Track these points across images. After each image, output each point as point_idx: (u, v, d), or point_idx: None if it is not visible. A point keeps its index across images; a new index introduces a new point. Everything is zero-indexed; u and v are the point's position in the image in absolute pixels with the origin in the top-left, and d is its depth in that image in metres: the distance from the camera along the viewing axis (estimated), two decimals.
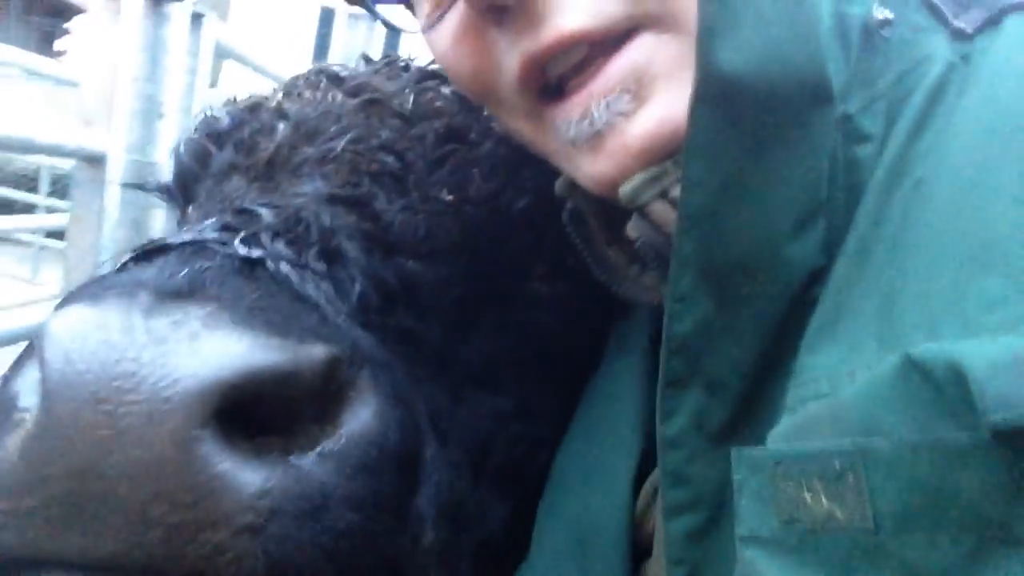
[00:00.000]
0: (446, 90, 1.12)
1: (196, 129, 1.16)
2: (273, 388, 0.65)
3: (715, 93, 0.72)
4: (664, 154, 0.82)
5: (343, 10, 3.75)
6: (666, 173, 0.82)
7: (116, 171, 1.61)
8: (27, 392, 0.66)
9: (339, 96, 1.10)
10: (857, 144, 0.77)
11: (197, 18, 2.02)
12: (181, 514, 0.62)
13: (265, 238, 0.81)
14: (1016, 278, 0.61)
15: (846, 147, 0.77)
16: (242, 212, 0.88)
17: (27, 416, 0.64)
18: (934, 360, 0.58)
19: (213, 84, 2.42)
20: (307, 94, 1.13)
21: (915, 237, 0.69)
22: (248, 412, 0.65)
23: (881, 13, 0.80)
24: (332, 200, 0.93)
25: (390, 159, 1.01)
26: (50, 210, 9.18)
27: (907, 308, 0.66)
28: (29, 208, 9.98)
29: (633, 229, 0.87)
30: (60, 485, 0.62)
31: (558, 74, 0.85)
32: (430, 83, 1.13)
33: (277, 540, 0.64)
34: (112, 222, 1.62)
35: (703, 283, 0.76)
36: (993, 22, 0.81)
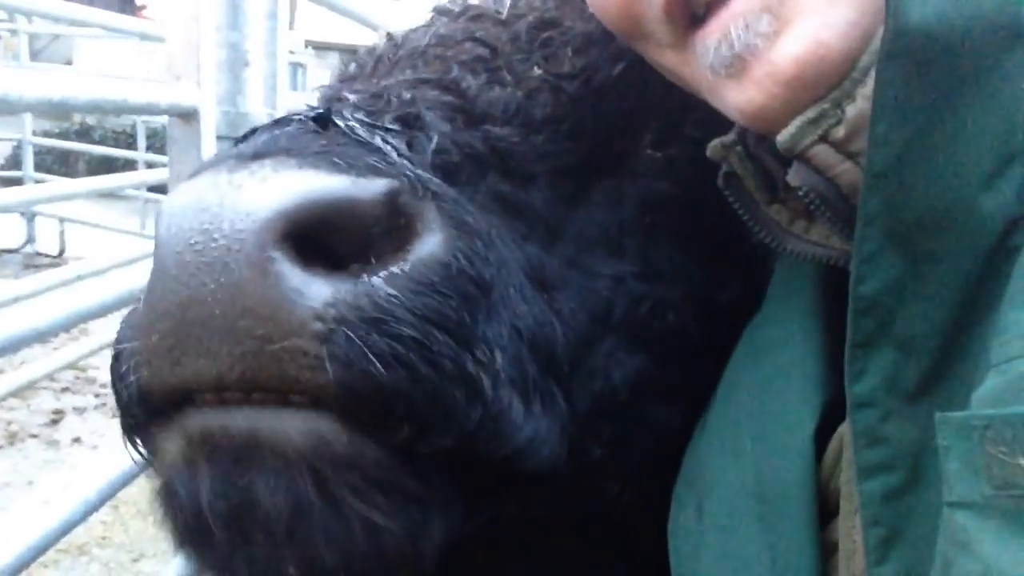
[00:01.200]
0: None
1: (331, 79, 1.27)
2: (338, 214, 0.73)
3: (905, 47, 0.70)
4: (815, 84, 0.80)
5: None
6: (825, 115, 0.80)
7: (209, 124, 1.60)
8: None
9: (445, 18, 1.17)
10: None
11: None
12: (263, 326, 0.71)
13: (346, 111, 0.89)
14: None
15: None
16: (332, 99, 0.99)
17: None
18: None
19: (291, 27, 2.38)
20: (420, 24, 1.20)
21: None
22: (320, 238, 0.73)
23: None
24: (416, 83, 1.00)
25: (480, 48, 1.07)
26: (149, 165, 9.46)
27: None
28: (130, 164, 10.30)
29: (795, 177, 0.85)
30: (171, 319, 0.73)
31: (704, 2, 0.85)
32: None
33: (347, 344, 0.71)
34: None
35: (891, 242, 0.74)
36: None
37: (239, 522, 0.73)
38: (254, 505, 0.72)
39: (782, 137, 0.82)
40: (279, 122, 0.87)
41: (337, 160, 0.76)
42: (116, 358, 0.82)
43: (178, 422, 0.76)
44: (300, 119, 0.85)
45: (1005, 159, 0.71)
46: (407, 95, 0.96)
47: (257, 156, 0.77)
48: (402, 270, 0.75)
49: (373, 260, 0.75)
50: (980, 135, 0.71)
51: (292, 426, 0.73)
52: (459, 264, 0.78)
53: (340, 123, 0.85)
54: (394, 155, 0.84)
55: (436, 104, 0.96)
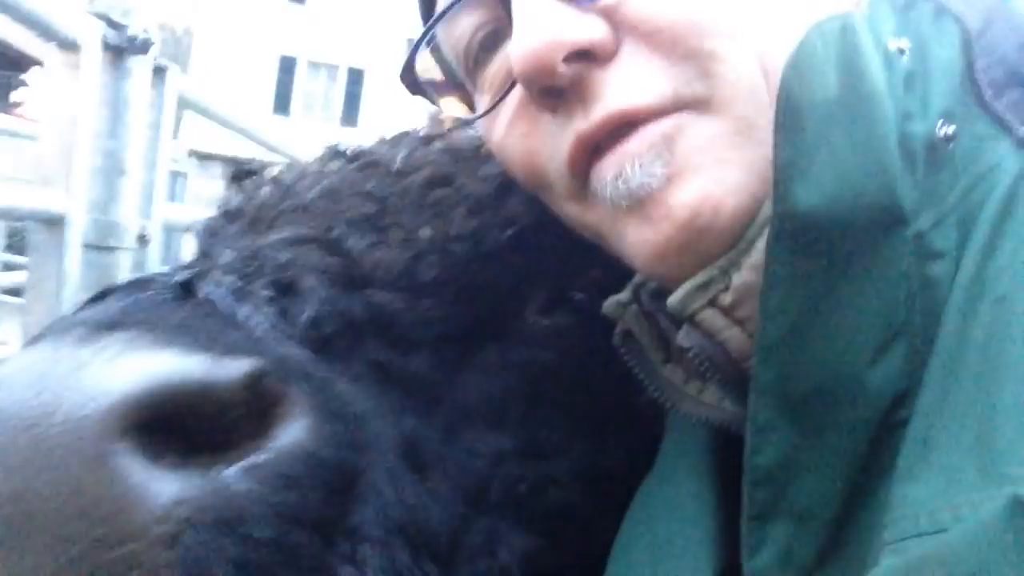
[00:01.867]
0: (439, 146, 1.14)
1: (230, 186, 1.22)
2: (192, 401, 0.67)
3: (791, 230, 0.73)
4: (709, 234, 0.82)
5: (304, 59, 3.74)
6: (714, 280, 0.82)
7: (76, 232, 1.53)
8: None
9: (336, 163, 1.14)
10: (931, 261, 0.76)
11: (159, 71, 1.96)
12: (100, 527, 0.63)
13: (215, 273, 0.84)
14: None
15: (920, 266, 0.76)
16: (202, 257, 0.93)
17: None
18: None
19: (174, 136, 2.36)
20: (309, 166, 1.16)
21: (1005, 357, 0.68)
22: (172, 428, 0.66)
23: (945, 129, 0.79)
24: (296, 242, 0.96)
25: (367, 205, 1.03)
26: (7, 266, 8.95)
27: (1006, 434, 0.63)
28: None
29: (685, 339, 0.86)
30: None
31: (599, 141, 0.87)
32: (427, 144, 1.16)
33: (193, 550, 0.64)
34: (73, 284, 1.54)
35: (784, 413, 0.75)
36: None
37: None
38: None
39: (672, 300, 0.84)
40: (139, 284, 0.81)
41: (196, 337, 0.71)
42: None
43: None
44: (162, 284, 0.80)
45: (889, 336, 0.74)
46: (284, 257, 0.91)
47: (109, 327, 0.71)
48: (262, 461, 0.69)
49: (230, 449, 0.69)
50: (865, 312, 0.73)
51: None
52: (325, 453, 0.73)
53: (205, 291, 0.80)
54: (260, 330, 0.79)
55: (315, 267, 0.92)
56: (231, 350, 0.71)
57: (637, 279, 0.97)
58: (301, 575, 0.70)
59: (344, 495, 0.75)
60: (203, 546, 0.64)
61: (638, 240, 0.86)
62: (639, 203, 0.84)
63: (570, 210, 0.95)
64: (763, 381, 0.74)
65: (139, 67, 1.80)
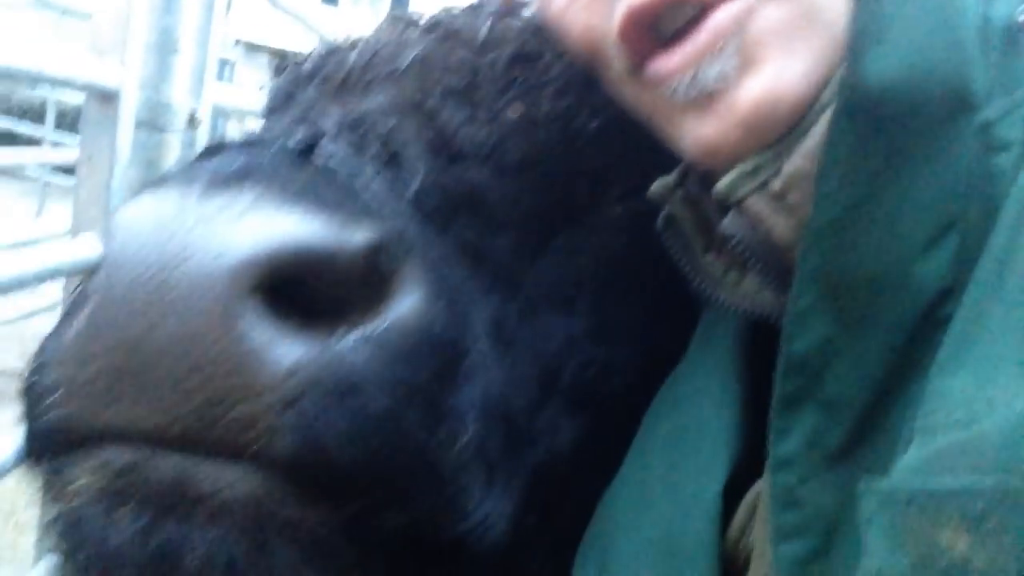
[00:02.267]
0: (520, 20, 1.11)
1: (278, 76, 1.19)
2: (316, 267, 0.67)
3: (859, 105, 0.71)
4: (768, 128, 0.80)
5: None
6: (763, 166, 0.81)
7: (129, 108, 1.51)
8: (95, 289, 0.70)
9: (414, 32, 1.10)
10: (996, 153, 0.73)
11: None
12: (217, 384, 0.64)
13: (327, 139, 0.83)
14: None
15: (983, 157, 0.73)
16: (304, 120, 0.91)
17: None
18: None
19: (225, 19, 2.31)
20: (383, 33, 1.13)
21: None
22: (292, 292, 0.66)
23: None
24: (395, 109, 0.94)
25: (457, 78, 1.01)
26: (56, 144, 9.01)
27: None
28: (34, 141, 9.80)
29: (729, 225, 0.85)
30: (112, 356, 0.65)
31: (667, 31, 0.84)
32: (507, 17, 1.12)
33: (308, 416, 0.65)
34: (123, 162, 1.53)
35: (825, 299, 0.74)
36: None
37: (160, 573, 0.66)
38: (178, 557, 0.65)
39: (720, 185, 0.83)
40: (255, 143, 0.80)
41: (319, 203, 0.70)
42: (35, 379, 0.73)
43: (98, 454, 0.68)
44: (281, 146, 0.78)
45: (942, 228, 0.72)
46: (387, 125, 0.90)
47: (232, 182, 0.70)
48: (377, 333, 0.69)
49: (345, 319, 0.68)
50: (922, 199, 0.72)
51: (232, 481, 0.66)
52: (436, 330, 0.73)
53: (323, 157, 0.78)
54: (377, 201, 0.78)
55: (416, 138, 0.91)
56: (352, 219, 0.70)
57: (686, 163, 0.96)
58: (407, 453, 0.70)
59: (450, 374, 0.75)
60: (318, 414, 0.65)
61: (695, 132, 0.85)
62: (705, 98, 0.82)
63: (626, 89, 0.93)
64: (808, 266, 0.74)
65: None
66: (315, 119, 0.91)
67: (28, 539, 4.17)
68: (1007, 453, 0.57)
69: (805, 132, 0.79)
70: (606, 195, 1.06)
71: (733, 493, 0.87)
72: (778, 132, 0.80)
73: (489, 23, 1.09)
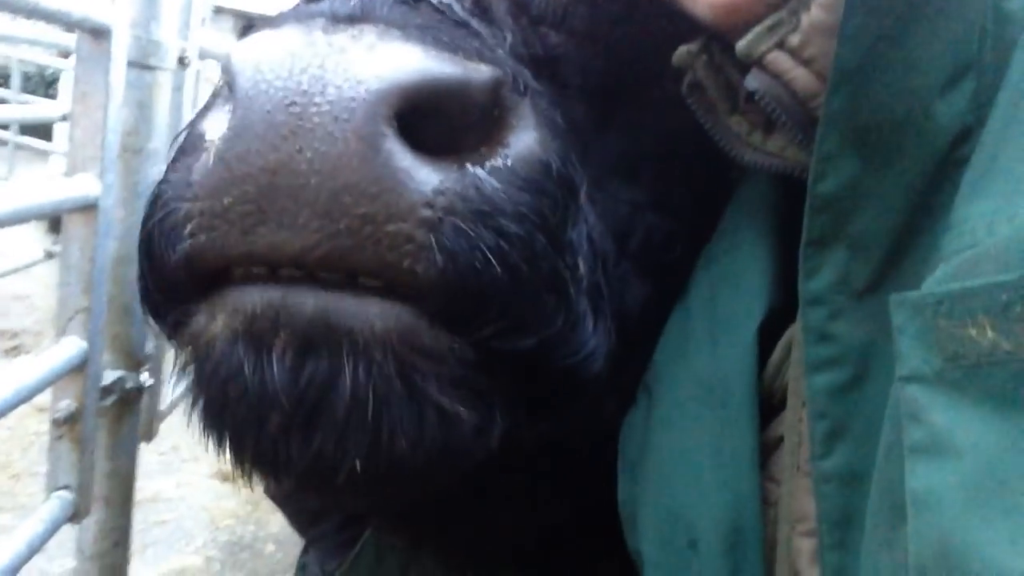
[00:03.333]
0: None
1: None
2: (446, 99, 0.69)
3: None
4: None
5: None
6: (782, 22, 0.83)
7: (121, 46, 1.52)
8: (213, 129, 0.71)
9: None
10: None
11: None
12: (367, 205, 0.65)
13: None
14: None
15: (996, 1, 0.76)
16: None
17: (213, 146, 0.69)
18: None
19: None
20: None
21: None
22: (426, 123, 0.68)
23: None
24: None
25: None
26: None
27: None
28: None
29: (752, 81, 0.88)
30: (254, 182, 0.66)
31: None
32: None
33: (453, 236, 0.67)
34: (117, 102, 1.54)
35: (850, 141, 0.76)
36: None
37: (309, 407, 0.68)
38: (330, 390, 0.68)
39: (741, 44, 0.86)
40: None
41: (442, 39, 0.71)
42: (163, 217, 0.73)
43: (233, 297, 0.70)
44: None
45: (961, 69, 0.76)
46: None
47: (353, 20, 0.71)
48: (504, 164, 0.71)
49: (472, 150, 0.71)
50: (942, 41, 0.75)
51: (372, 312, 0.68)
52: (555, 164, 0.76)
53: (434, 1, 0.79)
54: (492, 42, 0.80)
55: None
56: (476, 55, 0.72)
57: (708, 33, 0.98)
58: (539, 276, 0.73)
59: (568, 208, 0.78)
60: (463, 233, 0.68)
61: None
62: None
63: None
64: (833, 109, 0.76)
65: None
66: None
67: (24, 487, 4.20)
68: None
69: None
70: (663, 73, 1.08)
71: (769, 337, 0.92)
72: None
73: None
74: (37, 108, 6.67)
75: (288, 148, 0.65)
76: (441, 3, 0.79)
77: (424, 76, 0.67)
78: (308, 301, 0.68)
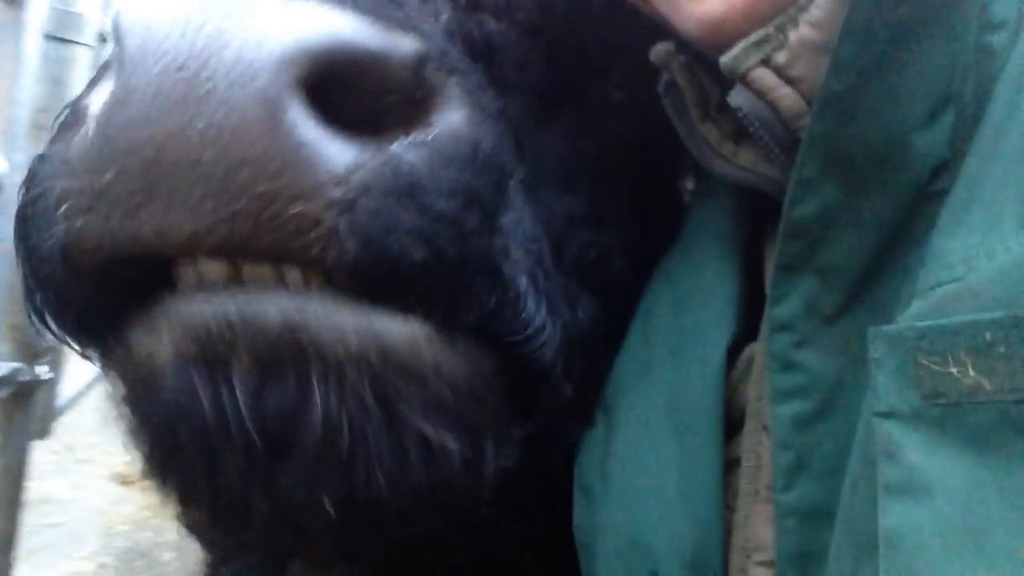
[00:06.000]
0: None
1: None
2: (364, 69, 0.62)
3: None
4: (765, 8, 0.80)
5: None
6: (768, 39, 0.81)
7: (38, 16, 1.43)
8: (98, 100, 0.62)
9: None
10: (990, 32, 0.76)
11: None
12: (267, 182, 0.57)
13: None
14: None
15: (979, 35, 0.76)
16: None
17: (94, 118, 0.60)
18: None
19: None
20: None
21: None
22: (338, 95, 0.61)
23: None
24: None
25: None
26: None
27: None
28: None
29: (736, 98, 0.85)
30: (139, 155, 0.58)
31: None
32: None
33: (369, 217, 0.60)
34: (31, 75, 1.45)
35: (830, 167, 0.75)
36: None
37: (274, 442, 0.60)
38: (300, 415, 0.60)
39: (725, 58, 0.83)
40: None
41: (364, 7, 0.64)
42: (35, 198, 0.64)
43: (179, 308, 0.61)
44: None
45: (942, 100, 0.75)
46: None
47: None
48: (428, 139, 0.64)
49: (392, 127, 0.63)
50: (926, 72, 0.74)
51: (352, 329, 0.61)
52: (485, 143, 0.69)
53: None
54: (418, 17, 0.73)
55: None
56: (400, 26, 0.65)
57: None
58: (468, 259, 0.67)
59: (501, 190, 0.72)
60: (381, 213, 0.60)
61: (701, 10, 0.84)
62: None
63: None
64: (816, 134, 0.74)
65: None
66: None
67: None
68: (1013, 289, 0.60)
69: (811, 1, 0.79)
70: (607, 79, 1.04)
71: (730, 354, 0.89)
72: (780, 8, 0.80)
73: None
74: None
75: (178, 117, 0.57)
76: None
77: (337, 41, 0.60)
78: (270, 310, 0.60)
